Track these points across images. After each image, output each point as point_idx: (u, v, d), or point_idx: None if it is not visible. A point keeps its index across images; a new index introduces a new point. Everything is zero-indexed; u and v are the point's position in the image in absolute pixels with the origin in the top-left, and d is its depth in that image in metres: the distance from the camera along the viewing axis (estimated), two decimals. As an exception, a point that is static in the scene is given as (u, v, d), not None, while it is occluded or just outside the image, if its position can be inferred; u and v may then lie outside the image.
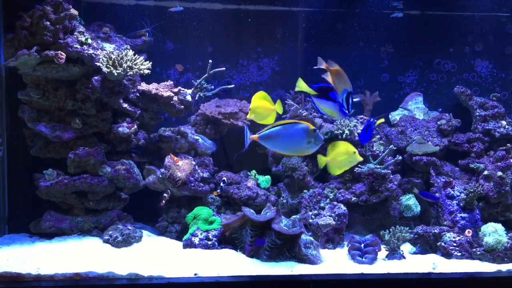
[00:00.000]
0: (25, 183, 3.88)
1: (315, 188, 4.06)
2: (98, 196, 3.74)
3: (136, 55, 3.78)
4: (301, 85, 3.04)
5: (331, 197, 3.99)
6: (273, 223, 3.27)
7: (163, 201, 3.73)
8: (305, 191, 4.06)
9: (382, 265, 3.30)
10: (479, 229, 3.58)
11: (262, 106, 3.07)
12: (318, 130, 3.02)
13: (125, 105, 3.87)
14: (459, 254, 3.45)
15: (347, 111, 3.01)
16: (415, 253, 3.66)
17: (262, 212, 3.57)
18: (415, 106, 4.64)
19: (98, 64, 3.66)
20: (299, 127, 2.98)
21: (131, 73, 3.72)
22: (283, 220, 3.44)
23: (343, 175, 4.15)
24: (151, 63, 3.82)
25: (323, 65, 2.97)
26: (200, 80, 4.16)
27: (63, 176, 3.67)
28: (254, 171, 4.20)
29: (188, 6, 4.40)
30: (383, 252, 3.52)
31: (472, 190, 3.80)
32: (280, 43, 4.62)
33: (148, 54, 4.27)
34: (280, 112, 3.16)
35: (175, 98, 3.97)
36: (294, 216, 3.87)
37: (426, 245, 3.66)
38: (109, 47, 3.94)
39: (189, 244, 3.49)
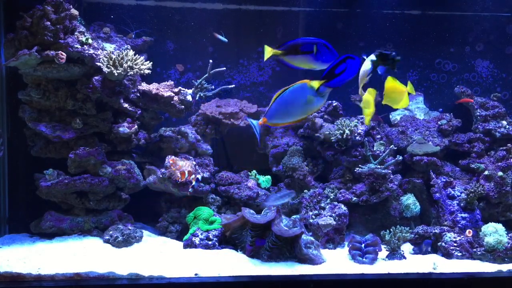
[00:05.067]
0: (25, 183, 3.88)
1: (316, 188, 4.06)
2: (99, 196, 3.74)
3: (137, 55, 3.79)
4: (267, 51, 2.96)
5: (331, 197, 3.99)
6: (273, 224, 3.26)
7: None
8: (306, 191, 4.06)
9: (383, 265, 3.30)
10: (480, 229, 3.58)
11: (395, 89, 3.02)
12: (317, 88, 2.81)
13: (126, 105, 3.87)
14: (459, 254, 3.45)
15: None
16: (415, 253, 3.66)
17: (262, 212, 3.56)
18: (416, 106, 4.63)
19: (98, 64, 3.66)
20: (296, 87, 2.82)
21: (132, 73, 3.72)
22: (284, 220, 3.44)
23: (343, 175, 4.15)
24: (151, 63, 3.82)
25: None
26: (200, 80, 4.16)
27: (64, 176, 3.67)
28: (254, 171, 4.20)
29: (188, 6, 4.40)
30: (383, 252, 3.52)
31: (472, 190, 3.80)
32: (280, 43, 4.61)
33: (148, 54, 4.27)
34: (413, 93, 3.11)
35: (176, 98, 3.96)
36: (294, 216, 3.87)
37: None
38: (109, 47, 3.94)
39: (189, 244, 3.49)
